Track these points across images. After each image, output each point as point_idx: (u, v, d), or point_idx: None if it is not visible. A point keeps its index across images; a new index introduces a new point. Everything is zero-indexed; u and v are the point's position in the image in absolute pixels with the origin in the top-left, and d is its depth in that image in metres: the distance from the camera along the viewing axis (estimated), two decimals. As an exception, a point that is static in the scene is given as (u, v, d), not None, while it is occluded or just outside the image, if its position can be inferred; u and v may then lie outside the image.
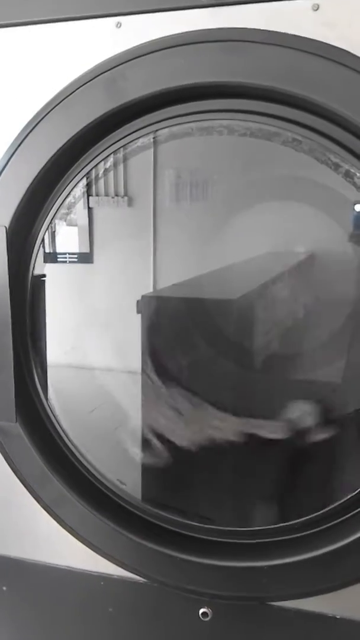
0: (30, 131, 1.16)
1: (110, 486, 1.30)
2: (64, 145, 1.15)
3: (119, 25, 1.14)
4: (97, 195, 2.07)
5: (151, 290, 2.02)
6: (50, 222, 1.24)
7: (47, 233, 1.27)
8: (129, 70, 1.10)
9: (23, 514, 1.37)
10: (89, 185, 1.82)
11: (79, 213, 2.10)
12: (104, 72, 1.12)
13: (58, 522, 1.29)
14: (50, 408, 1.31)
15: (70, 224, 2.12)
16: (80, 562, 1.36)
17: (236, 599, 1.25)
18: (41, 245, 1.26)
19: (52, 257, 1.92)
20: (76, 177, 1.20)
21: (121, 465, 1.51)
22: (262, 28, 1.05)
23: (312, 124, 1.09)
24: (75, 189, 1.22)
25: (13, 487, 1.31)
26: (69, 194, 1.21)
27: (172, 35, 1.09)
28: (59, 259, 2.08)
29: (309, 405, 1.58)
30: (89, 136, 1.16)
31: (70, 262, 2.14)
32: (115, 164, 1.51)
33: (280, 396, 1.76)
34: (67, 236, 2.11)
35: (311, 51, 1.03)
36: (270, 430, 1.53)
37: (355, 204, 1.69)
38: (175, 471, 1.61)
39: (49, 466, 1.26)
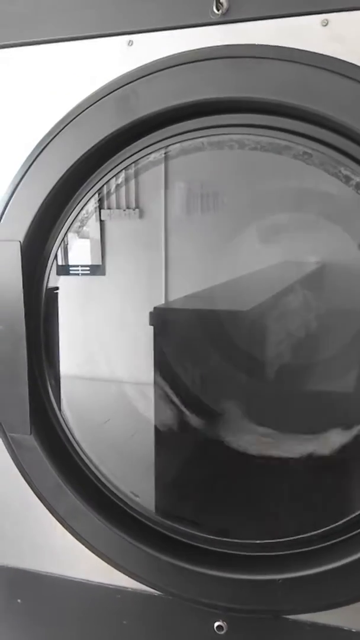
0: (43, 149, 1.18)
1: (124, 498, 1.31)
2: (76, 162, 1.16)
3: (130, 43, 1.16)
4: (109, 208, 2.09)
5: (163, 302, 2.03)
6: (64, 237, 1.25)
7: (60, 246, 1.28)
8: (141, 87, 1.12)
9: (38, 526, 1.37)
10: (101, 199, 1.84)
11: (91, 226, 2.11)
12: (116, 89, 1.13)
13: (73, 534, 1.29)
14: (64, 420, 1.32)
15: (82, 237, 2.14)
16: (95, 575, 1.36)
17: (251, 612, 1.24)
18: (54, 259, 1.27)
19: (64, 270, 1.94)
20: (89, 193, 1.22)
21: (135, 477, 1.51)
22: (271, 44, 1.06)
23: (322, 137, 1.09)
24: (88, 204, 1.23)
25: (28, 499, 1.32)
26: (82, 209, 1.23)
27: (183, 52, 1.10)
28: (71, 272, 2.10)
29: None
30: (101, 153, 1.17)
31: (82, 274, 2.16)
32: (127, 178, 1.52)
33: (293, 407, 1.76)
34: (79, 249, 2.13)
35: (321, 66, 1.03)
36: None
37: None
38: (188, 483, 1.61)
39: (63, 478, 1.27)
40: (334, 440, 1.54)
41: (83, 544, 1.29)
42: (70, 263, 2.04)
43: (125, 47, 1.16)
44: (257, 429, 1.63)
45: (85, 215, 1.28)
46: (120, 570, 1.28)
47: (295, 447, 1.58)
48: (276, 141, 1.16)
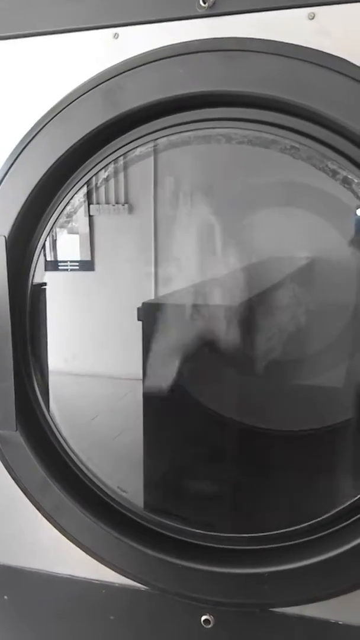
0: (29, 142, 1.17)
1: (111, 494, 1.30)
2: (62, 155, 1.15)
3: (116, 36, 1.15)
4: (97, 203, 2.08)
5: (153, 297, 2.02)
6: (50, 231, 1.25)
7: (48, 241, 1.28)
8: (127, 80, 1.11)
9: (24, 522, 1.37)
10: (89, 194, 1.84)
11: (80, 221, 2.11)
12: (102, 82, 1.12)
13: (59, 530, 1.29)
14: (50, 416, 1.32)
15: (71, 232, 2.13)
16: (82, 570, 1.36)
17: (238, 606, 1.24)
18: (41, 254, 1.26)
19: (53, 265, 1.93)
20: (75, 187, 1.21)
21: (123, 473, 1.51)
22: (258, 37, 1.05)
23: (309, 131, 1.09)
24: (74, 198, 1.23)
25: (14, 495, 1.31)
26: (67, 203, 1.22)
27: (169, 45, 1.09)
28: (60, 267, 2.09)
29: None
30: (87, 146, 1.16)
31: (71, 269, 2.15)
32: (115, 172, 1.52)
33: (283, 401, 1.76)
34: (68, 244, 2.12)
35: (307, 59, 1.03)
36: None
37: (357, 209, 1.69)
38: (176, 478, 1.61)
39: (49, 474, 1.27)
40: (320, 434, 1.54)
41: (69, 539, 1.28)
42: (59, 258, 2.04)
43: (111, 40, 1.15)
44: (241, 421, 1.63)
45: (72, 210, 1.27)
46: (106, 566, 1.28)
47: (283, 441, 1.59)
48: (263, 135, 1.15)
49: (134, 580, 1.28)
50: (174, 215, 2.08)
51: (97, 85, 1.13)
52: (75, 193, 1.21)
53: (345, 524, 1.16)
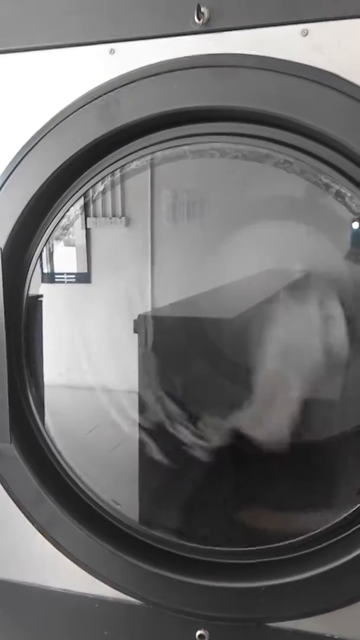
0: (25, 155, 1.18)
1: (106, 507, 1.30)
2: (58, 168, 1.16)
3: (112, 51, 1.16)
4: (94, 216, 2.09)
5: (149, 309, 2.02)
6: (45, 244, 1.25)
7: (45, 253, 1.28)
8: (122, 95, 1.12)
9: (17, 535, 1.36)
10: (86, 207, 1.85)
11: (77, 234, 2.11)
12: (98, 97, 1.14)
13: (53, 544, 1.28)
14: (45, 429, 1.31)
15: (68, 245, 2.14)
16: (75, 585, 1.34)
17: (233, 621, 1.23)
18: (36, 266, 1.27)
19: (50, 278, 1.94)
20: (71, 200, 1.22)
21: (118, 487, 1.51)
22: (252, 53, 1.07)
23: (303, 146, 1.10)
24: (70, 211, 1.23)
25: (7, 508, 1.31)
26: (63, 216, 1.23)
27: (164, 61, 1.11)
28: (56, 279, 2.10)
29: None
30: (82, 160, 1.17)
31: (68, 282, 2.15)
32: (112, 185, 1.53)
33: (278, 414, 1.76)
34: (65, 256, 2.12)
35: (301, 75, 1.04)
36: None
37: (352, 222, 1.70)
38: (171, 491, 1.60)
39: (43, 487, 1.26)
40: (318, 445, 1.54)
41: (63, 553, 1.28)
42: (55, 271, 2.04)
43: (107, 56, 1.16)
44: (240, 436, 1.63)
45: (67, 223, 1.28)
46: (101, 580, 1.27)
47: (279, 453, 1.58)
48: (257, 149, 1.17)
49: (128, 595, 1.27)
50: (170, 229, 2.09)
51: (93, 100, 1.14)
52: (71, 206, 1.22)
53: (341, 537, 1.15)
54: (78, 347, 1.93)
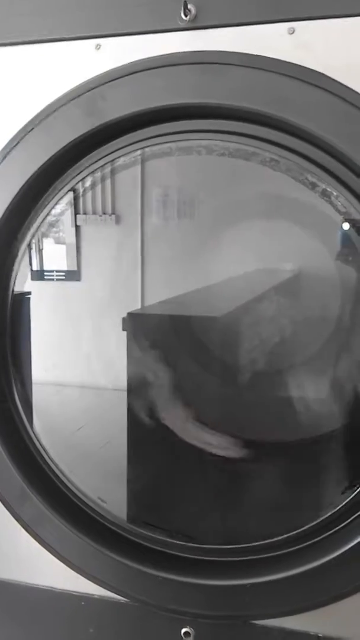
0: (10, 151, 1.17)
1: (92, 505, 1.30)
2: (43, 164, 1.16)
3: (98, 47, 1.16)
4: (84, 213, 2.08)
5: (139, 307, 2.02)
6: (31, 240, 1.25)
7: (34, 251, 1.28)
8: (108, 91, 1.12)
9: (2, 533, 1.35)
10: (75, 204, 1.84)
11: (67, 231, 2.11)
12: (84, 92, 1.14)
13: (38, 541, 1.27)
14: (31, 426, 1.31)
15: (58, 242, 2.13)
16: (61, 582, 1.34)
17: (219, 618, 1.23)
18: (22, 263, 1.26)
19: (39, 275, 1.93)
20: (56, 196, 1.21)
21: (106, 484, 1.50)
22: (238, 51, 1.07)
23: (289, 144, 1.10)
24: (55, 208, 1.23)
25: (-9, 506, 1.30)
26: (48, 213, 1.22)
27: (151, 57, 1.11)
28: (46, 277, 2.09)
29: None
30: (68, 156, 1.17)
31: (57, 279, 2.15)
32: (102, 181, 1.52)
33: (266, 412, 1.76)
34: (54, 254, 2.12)
35: (287, 73, 1.05)
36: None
37: (342, 223, 1.70)
38: (158, 489, 1.60)
39: (28, 484, 1.25)
40: (303, 445, 1.54)
41: (48, 550, 1.27)
42: (45, 268, 2.03)
43: (93, 51, 1.16)
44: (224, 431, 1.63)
45: (54, 220, 1.27)
46: (86, 577, 1.27)
47: (266, 453, 1.58)
48: (244, 147, 1.16)
49: (114, 592, 1.27)
50: (160, 227, 2.08)
51: (79, 95, 1.14)
52: (57, 202, 1.21)
53: (326, 535, 1.15)
54: (67, 345, 1.93)
